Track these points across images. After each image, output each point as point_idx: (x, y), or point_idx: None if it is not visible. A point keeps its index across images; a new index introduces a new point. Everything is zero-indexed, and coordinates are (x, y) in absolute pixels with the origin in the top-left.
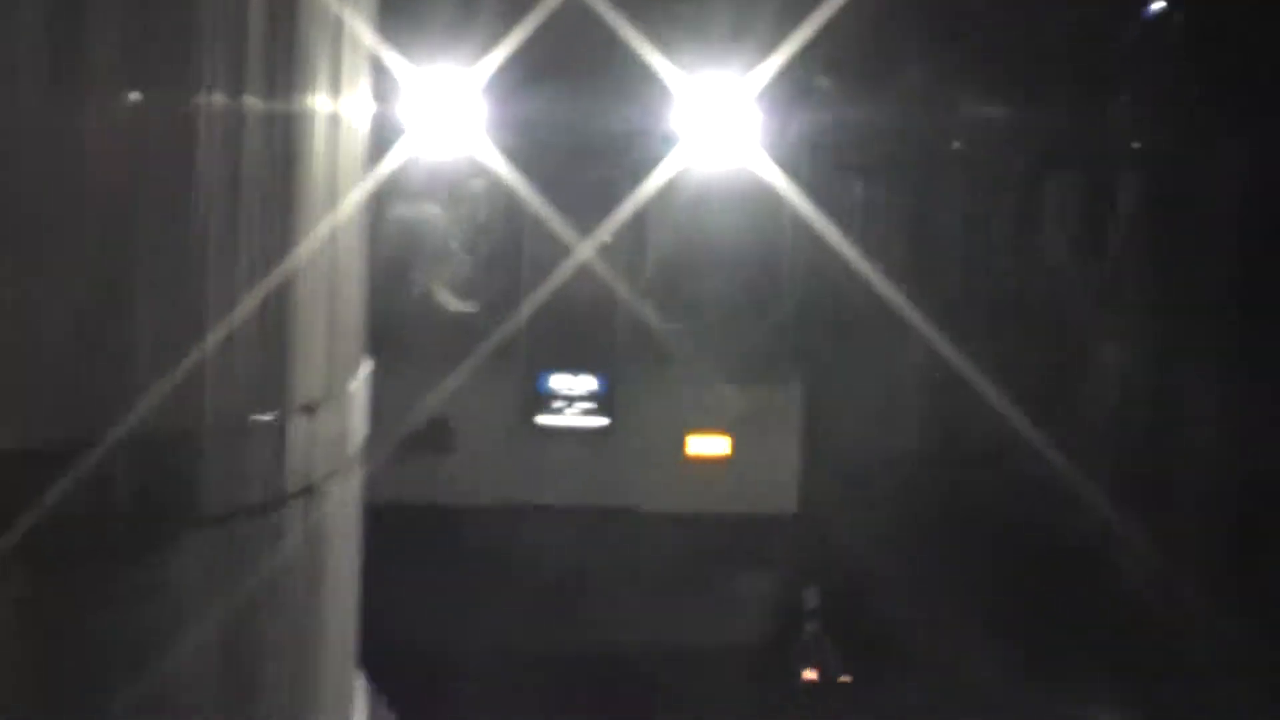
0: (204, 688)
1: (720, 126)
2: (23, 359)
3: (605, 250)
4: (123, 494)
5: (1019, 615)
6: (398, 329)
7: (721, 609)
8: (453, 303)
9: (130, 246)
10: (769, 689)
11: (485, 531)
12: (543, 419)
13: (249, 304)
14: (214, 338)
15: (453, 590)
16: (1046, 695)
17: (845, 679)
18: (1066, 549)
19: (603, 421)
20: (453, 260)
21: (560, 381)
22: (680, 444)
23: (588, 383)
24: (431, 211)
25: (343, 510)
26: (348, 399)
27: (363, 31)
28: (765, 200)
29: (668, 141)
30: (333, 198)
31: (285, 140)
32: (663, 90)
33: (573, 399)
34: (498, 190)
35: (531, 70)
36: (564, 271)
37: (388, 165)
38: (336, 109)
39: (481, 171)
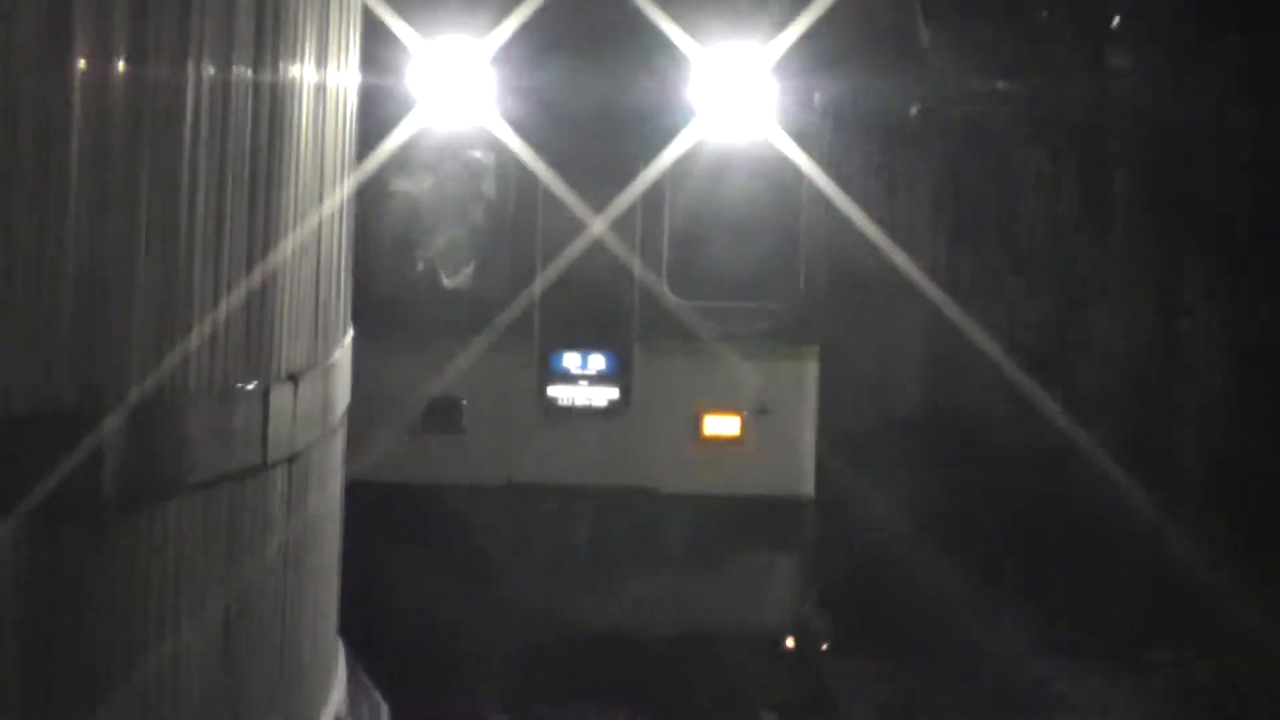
0: (190, 650)
1: (737, 98)
2: (8, 328)
3: (619, 225)
4: (110, 460)
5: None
6: (407, 305)
7: (732, 594)
8: (463, 278)
9: (116, 218)
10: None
11: (494, 511)
12: (555, 396)
13: (234, 274)
14: (199, 307)
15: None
16: None
17: (823, 646)
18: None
19: (615, 399)
20: (463, 235)
21: (573, 360)
22: (695, 423)
23: (599, 361)
24: (443, 185)
25: (325, 477)
26: (331, 368)
27: (352, 4)
28: (781, 173)
29: (684, 114)
30: (319, 171)
31: (272, 113)
32: (679, 61)
33: (586, 377)
34: (510, 164)
35: (543, 40)
36: (577, 247)
37: (397, 138)
38: (324, 82)
39: (493, 144)
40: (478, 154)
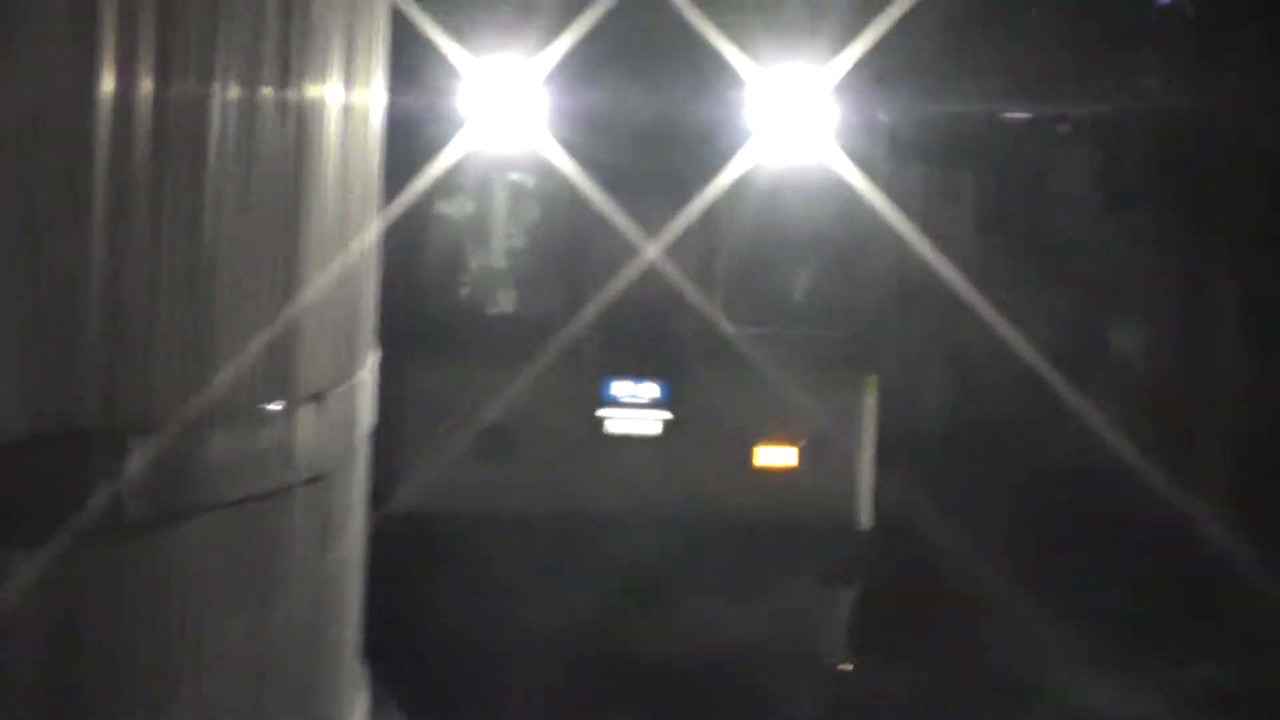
0: (215, 666)
1: (796, 120)
2: (36, 347)
3: (674, 249)
4: (137, 479)
5: None
6: (457, 331)
7: (786, 624)
8: (513, 304)
9: (141, 241)
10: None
11: (545, 538)
12: (607, 424)
13: (259, 296)
14: (224, 328)
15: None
16: None
17: (846, 667)
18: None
19: (667, 427)
20: (514, 259)
21: (625, 387)
22: (747, 454)
23: (652, 389)
24: (494, 208)
25: (349, 496)
26: (356, 388)
27: (379, 25)
28: (843, 196)
29: (742, 135)
30: (345, 191)
31: (298, 135)
32: (737, 81)
33: (638, 405)
34: (563, 186)
35: (597, 60)
36: (631, 272)
37: (446, 160)
38: (350, 103)
39: (545, 166)
40: (529, 176)
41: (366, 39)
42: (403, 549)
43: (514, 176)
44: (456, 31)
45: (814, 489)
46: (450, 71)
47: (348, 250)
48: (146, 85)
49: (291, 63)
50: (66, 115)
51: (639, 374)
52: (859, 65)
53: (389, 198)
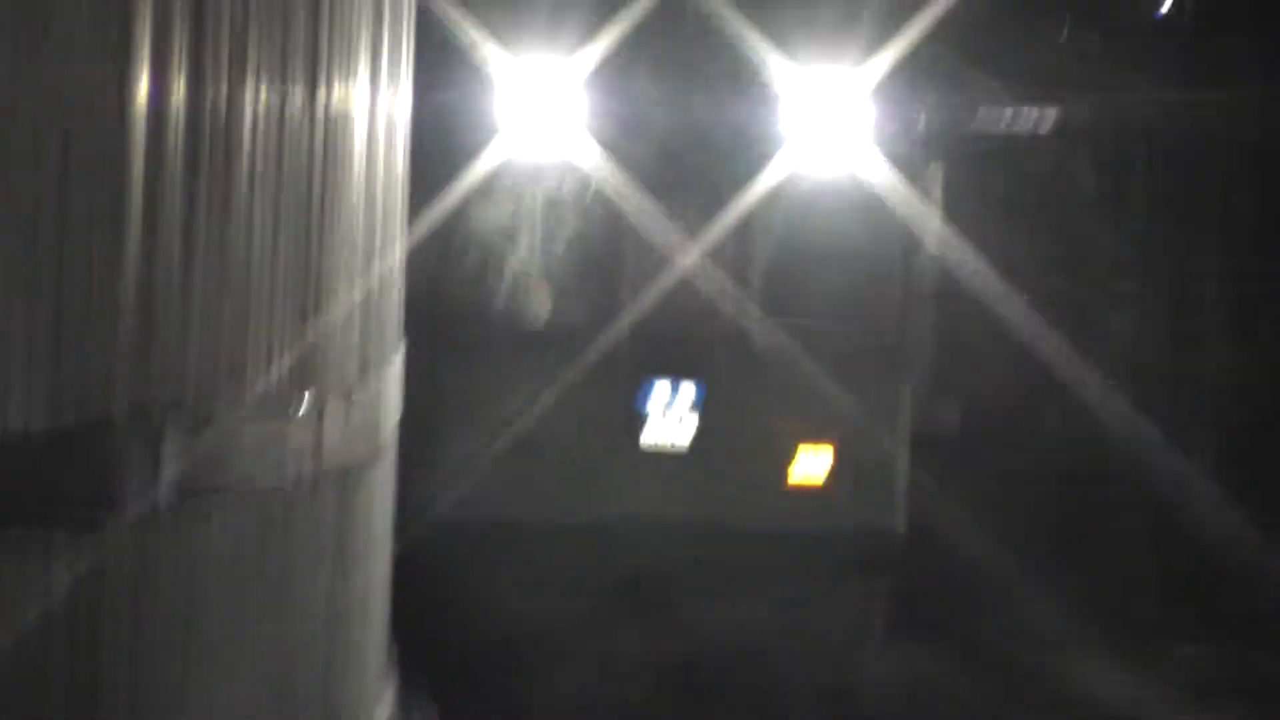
0: (244, 654)
1: (833, 123)
2: (72, 342)
3: (710, 254)
4: (170, 470)
5: None
6: (490, 337)
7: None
8: (548, 311)
9: (174, 242)
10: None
11: (578, 545)
12: (642, 430)
13: (289, 295)
14: (255, 326)
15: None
16: None
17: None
18: None
19: (703, 433)
20: (549, 265)
21: (661, 391)
22: (786, 457)
23: (688, 392)
24: (528, 213)
25: (376, 489)
26: (383, 385)
27: (407, 30)
28: (881, 201)
29: (778, 139)
30: (372, 194)
31: (326, 140)
32: (773, 84)
33: (673, 410)
34: (599, 193)
35: (633, 63)
36: (666, 277)
37: (483, 165)
38: (377, 109)
39: (582, 171)
40: (566, 179)
41: (395, 43)
42: (435, 556)
43: (550, 180)
44: (494, 33)
45: (848, 493)
46: (487, 75)
47: (375, 250)
48: (180, 89)
49: (320, 67)
50: (103, 118)
51: (675, 377)
52: (896, 68)
53: (425, 202)
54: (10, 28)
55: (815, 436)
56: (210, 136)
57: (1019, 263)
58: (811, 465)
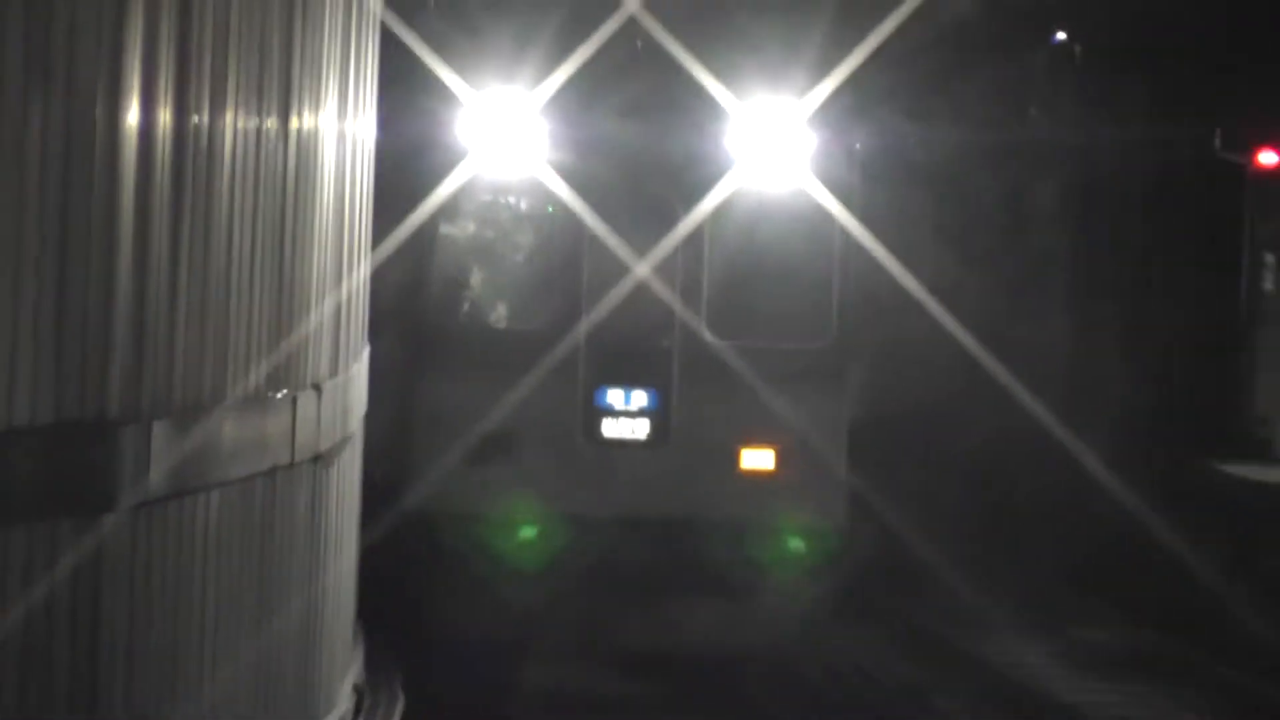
0: (225, 628)
1: (774, 148)
2: (69, 344)
3: (661, 268)
4: (158, 460)
5: None
6: (460, 345)
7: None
8: (513, 319)
9: (163, 248)
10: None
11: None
12: (600, 430)
13: (266, 298)
14: (234, 326)
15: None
16: None
17: None
18: None
19: (656, 433)
20: (513, 278)
21: (616, 396)
22: (733, 456)
23: (641, 397)
24: (493, 231)
25: (345, 475)
26: (350, 379)
27: (370, 60)
28: (816, 221)
29: (724, 163)
30: (341, 208)
31: (299, 159)
32: (719, 113)
33: (629, 413)
34: (557, 210)
35: (589, 93)
36: (621, 289)
37: (449, 186)
38: (345, 131)
39: (541, 191)
40: (527, 199)
41: (360, 74)
42: (406, 547)
43: (512, 200)
44: (459, 65)
45: (792, 490)
46: (453, 102)
47: (343, 260)
48: (166, 116)
49: (293, 96)
50: (98, 143)
51: (630, 383)
52: (832, 98)
53: (396, 221)
54: (17, 67)
55: (761, 438)
56: (194, 158)
57: (938, 270)
58: (757, 463)
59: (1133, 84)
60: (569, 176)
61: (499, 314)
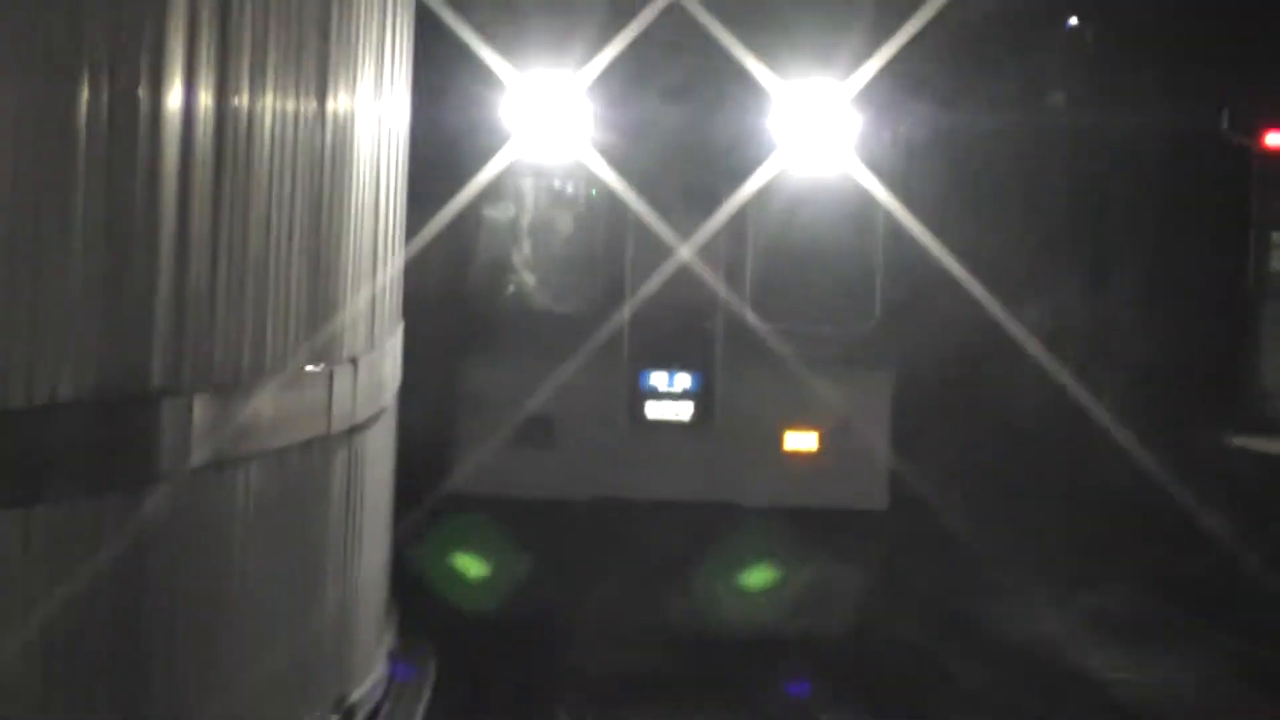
0: (265, 593)
1: (818, 131)
2: (115, 320)
3: (705, 251)
4: (200, 430)
5: None
6: (504, 327)
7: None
8: (556, 302)
9: (205, 227)
10: None
11: (584, 522)
12: (643, 413)
13: (303, 275)
14: (273, 303)
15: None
16: None
17: None
18: None
19: (700, 415)
20: (557, 261)
21: (660, 379)
22: (777, 438)
23: (685, 380)
24: (538, 213)
25: (379, 447)
26: (385, 354)
27: (404, 36)
28: (860, 203)
29: (767, 145)
30: (375, 187)
31: (334, 141)
32: (763, 95)
33: (672, 395)
34: (602, 192)
35: (633, 75)
36: (665, 272)
37: (493, 168)
38: (379, 113)
39: (586, 173)
40: (570, 183)
41: (395, 53)
42: (448, 529)
43: (557, 183)
44: (504, 48)
45: (835, 472)
46: (497, 85)
47: (378, 237)
48: (207, 97)
49: (330, 78)
50: (140, 122)
51: (673, 366)
52: (876, 79)
53: (441, 204)
54: (66, 51)
55: (803, 422)
56: (234, 139)
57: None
58: (800, 445)
59: (1144, 67)
60: (613, 159)
61: (543, 296)
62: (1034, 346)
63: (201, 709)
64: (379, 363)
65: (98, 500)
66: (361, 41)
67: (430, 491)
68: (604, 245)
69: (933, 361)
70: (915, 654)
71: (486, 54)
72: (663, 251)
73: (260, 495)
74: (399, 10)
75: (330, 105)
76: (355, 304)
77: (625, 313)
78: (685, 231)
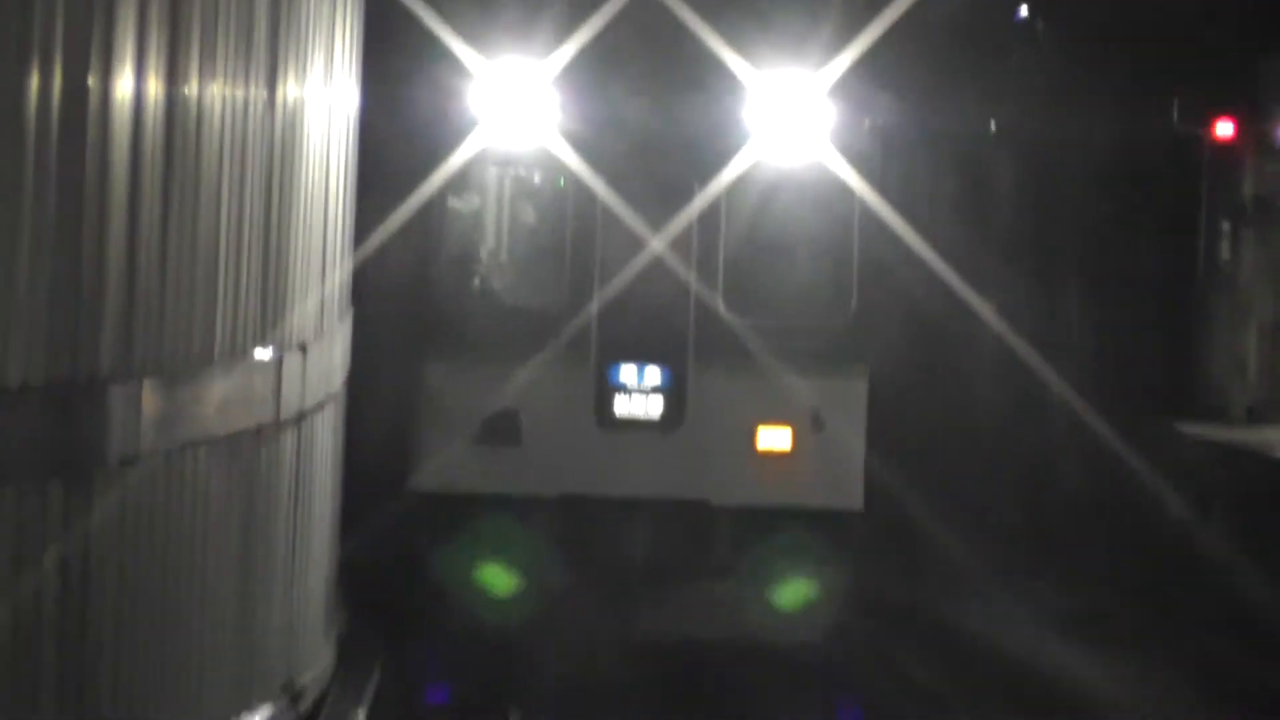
0: (213, 577)
1: (792, 122)
2: (63, 308)
3: (676, 244)
4: (148, 416)
5: None
6: (468, 322)
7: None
8: (522, 295)
9: (154, 215)
10: None
11: (550, 520)
12: (611, 409)
13: (252, 263)
14: (222, 290)
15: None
16: None
17: None
18: None
19: (670, 412)
20: (523, 253)
21: (629, 374)
22: (749, 436)
23: (655, 375)
24: (503, 204)
25: (328, 435)
26: (334, 342)
27: (355, 32)
28: (835, 195)
29: (740, 136)
30: (325, 174)
31: (284, 128)
32: (736, 85)
33: (641, 391)
34: (570, 183)
35: (603, 63)
36: (635, 265)
37: (458, 159)
38: (329, 102)
39: (553, 164)
40: (538, 173)
41: (343, 48)
42: (412, 527)
43: (524, 173)
44: (470, 34)
45: (809, 471)
46: (464, 72)
47: (326, 224)
48: (157, 85)
49: (279, 70)
50: (90, 110)
51: (643, 361)
52: (852, 70)
53: (404, 194)
54: (11, 38)
55: (776, 419)
56: (183, 128)
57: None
58: (773, 443)
59: (1094, 58)
60: (582, 149)
61: (509, 289)
62: (996, 340)
63: (150, 693)
64: (328, 349)
65: (45, 486)
66: (311, 30)
67: (393, 490)
68: (572, 237)
69: (907, 357)
70: (883, 656)
71: (452, 41)
72: (632, 244)
73: (208, 480)
74: None
75: (280, 93)
76: (305, 291)
77: (594, 306)
78: (656, 223)
